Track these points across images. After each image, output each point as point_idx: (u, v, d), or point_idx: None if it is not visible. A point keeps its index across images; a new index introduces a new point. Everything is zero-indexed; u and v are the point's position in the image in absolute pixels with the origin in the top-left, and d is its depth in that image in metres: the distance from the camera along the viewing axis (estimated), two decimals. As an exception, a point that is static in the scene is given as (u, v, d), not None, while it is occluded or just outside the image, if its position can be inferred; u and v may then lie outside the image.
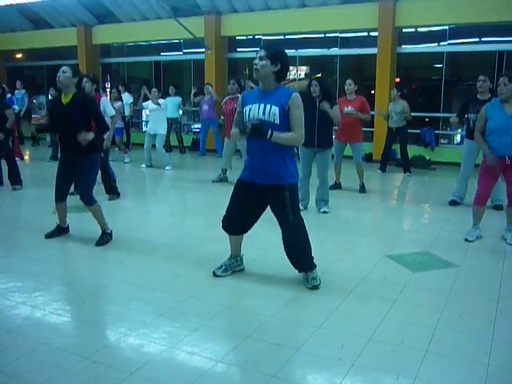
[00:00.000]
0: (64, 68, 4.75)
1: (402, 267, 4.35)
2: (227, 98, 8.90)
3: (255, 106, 3.68)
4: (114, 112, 7.25)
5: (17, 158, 10.24)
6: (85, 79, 6.62)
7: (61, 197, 5.03)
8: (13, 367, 2.72)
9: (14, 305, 3.52)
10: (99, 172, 7.02)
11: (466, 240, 5.16)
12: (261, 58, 3.60)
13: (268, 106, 3.62)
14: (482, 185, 5.14)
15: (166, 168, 9.85)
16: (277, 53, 3.65)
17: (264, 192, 3.77)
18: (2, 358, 2.81)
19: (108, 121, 7.12)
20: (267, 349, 2.94)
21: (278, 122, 3.61)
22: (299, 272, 3.95)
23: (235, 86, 8.45)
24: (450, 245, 5.04)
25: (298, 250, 3.87)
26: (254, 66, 3.63)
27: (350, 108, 7.36)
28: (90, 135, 4.65)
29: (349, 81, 7.55)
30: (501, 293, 3.79)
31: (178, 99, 12.45)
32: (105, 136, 7.03)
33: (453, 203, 6.72)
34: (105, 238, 4.92)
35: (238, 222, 3.97)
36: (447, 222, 5.86)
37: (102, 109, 6.96)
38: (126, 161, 10.86)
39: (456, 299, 3.67)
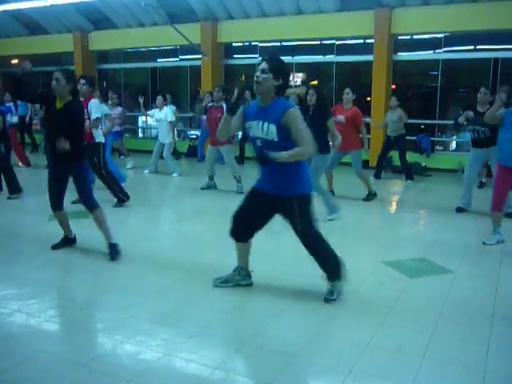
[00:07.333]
0: (57, 75, 4.53)
1: (399, 273, 4.36)
2: (210, 105, 8.83)
3: (255, 124, 3.57)
4: (98, 115, 6.97)
5: (22, 164, 10.39)
6: (82, 81, 6.57)
7: (55, 205, 4.90)
8: (10, 375, 2.70)
9: (10, 312, 3.50)
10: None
11: (484, 243, 5.20)
12: (263, 71, 3.43)
13: (266, 124, 3.49)
14: (496, 191, 5.26)
15: (173, 175, 9.83)
16: (280, 67, 3.50)
17: (273, 202, 3.68)
18: (-2, 366, 2.79)
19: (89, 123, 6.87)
20: (264, 356, 2.94)
21: (276, 139, 3.48)
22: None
23: (219, 94, 8.28)
24: (446, 251, 5.05)
25: (315, 257, 3.77)
26: (255, 79, 3.43)
27: (340, 117, 7.22)
28: (67, 145, 4.45)
29: (347, 90, 7.38)
30: (497, 299, 3.79)
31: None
32: (96, 136, 6.90)
33: (460, 210, 6.68)
34: (114, 250, 4.73)
35: (241, 226, 3.83)
36: (444, 228, 5.87)
37: (88, 109, 6.73)
38: (128, 167, 10.73)
39: (453, 305, 3.68)
